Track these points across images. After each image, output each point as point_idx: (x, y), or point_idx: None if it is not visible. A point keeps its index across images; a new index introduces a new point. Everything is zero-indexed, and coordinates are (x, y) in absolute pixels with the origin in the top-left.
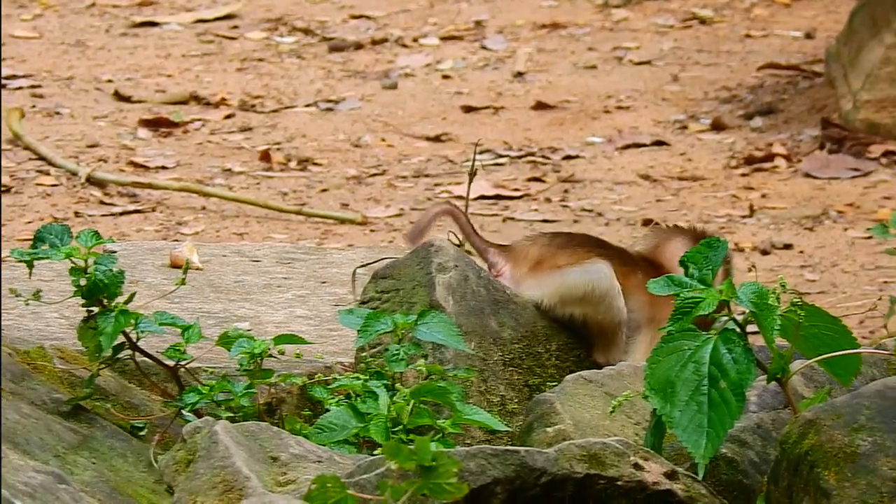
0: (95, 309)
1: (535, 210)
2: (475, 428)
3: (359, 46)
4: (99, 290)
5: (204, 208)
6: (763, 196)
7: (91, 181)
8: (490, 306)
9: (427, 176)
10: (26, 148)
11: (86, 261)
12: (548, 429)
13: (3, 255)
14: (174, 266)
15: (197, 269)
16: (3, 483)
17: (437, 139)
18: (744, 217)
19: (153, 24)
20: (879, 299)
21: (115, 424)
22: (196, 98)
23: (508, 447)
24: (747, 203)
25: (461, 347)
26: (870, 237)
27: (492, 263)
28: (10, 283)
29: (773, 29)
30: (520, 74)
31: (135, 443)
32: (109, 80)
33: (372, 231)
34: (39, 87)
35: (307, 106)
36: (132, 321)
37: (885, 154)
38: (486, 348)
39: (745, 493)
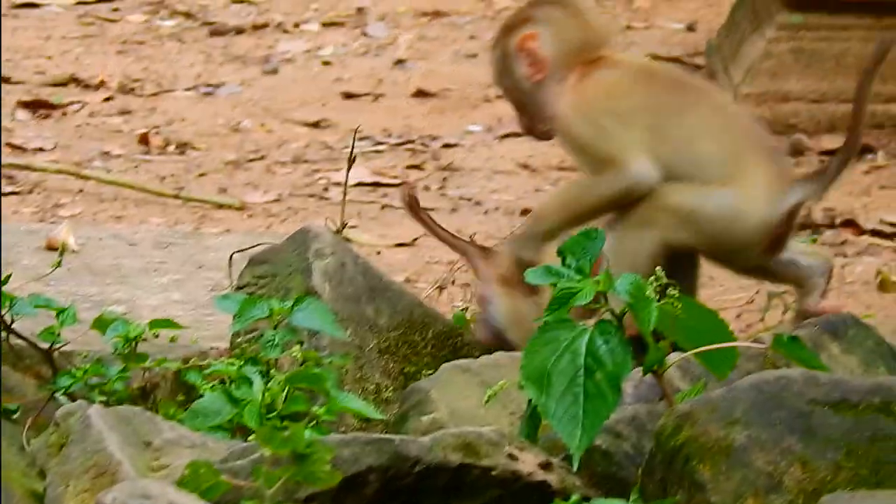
0: None
1: None
2: (350, 415)
3: (239, 31)
4: None
5: (82, 191)
6: None
7: None
8: (367, 293)
9: (306, 162)
10: None
11: None
12: (423, 417)
13: None
14: (51, 249)
15: (73, 252)
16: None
17: (316, 125)
18: None
19: (34, 5)
20: (757, 293)
21: None
22: (76, 80)
23: (383, 435)
24: None
25: (337, 334)
26: None
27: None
28: None
29: (655, 21)
30: (400, 62)
31: (7, 426)
32: None
33: (250, 216)
34: None
35: (187, 90)
36: (7, 303)
37: None
38: (362, 335)
39: (620, 484)
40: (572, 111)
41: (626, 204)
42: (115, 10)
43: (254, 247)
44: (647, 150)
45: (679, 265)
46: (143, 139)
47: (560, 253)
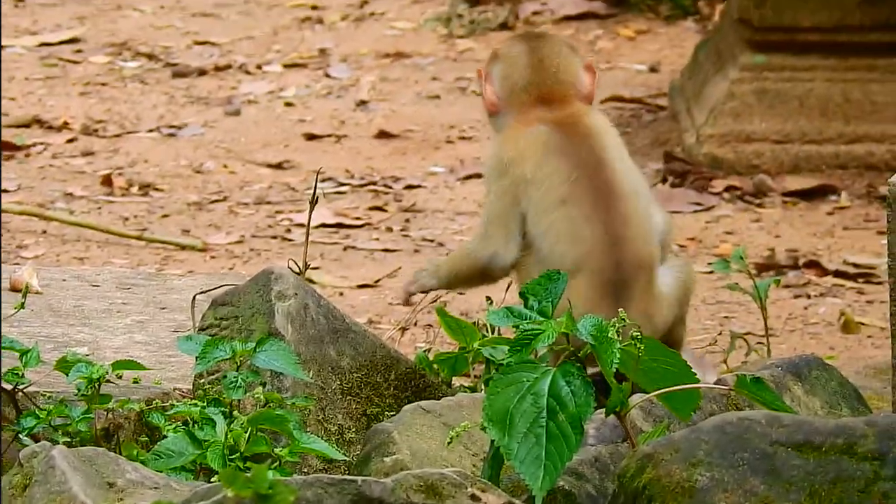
0: None
1: (377, 239)
2: (313, 456)
3: (202, 72)
4: None
5: (45, 232)
6: None
7: None
8: (329, 335)
9: (269, 203)
10: None
11: None
12: (385, 458)
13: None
14: (14, 290)
15: (36, 292)
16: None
17: (279, 166)
18: None
19: None
20: (720, 334)
21: None
22: (39, 121)
23: (346, 476)
24: None
25: (299, 375)
26: (711, 272)
27: None
28: None
29: (618, 62)
30: (363, 103)
31: None
32: None
33: (212, 258)
34: None
35: (150, 131)
36: None
37: (728, 189)
38: (324, 377)
39: None
40: (486, 160)
41: (488, 277)
42: (78, 51)
43: (216, 288)
44: (512, 228)
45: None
46: (106, 180)
47: (522, 295)
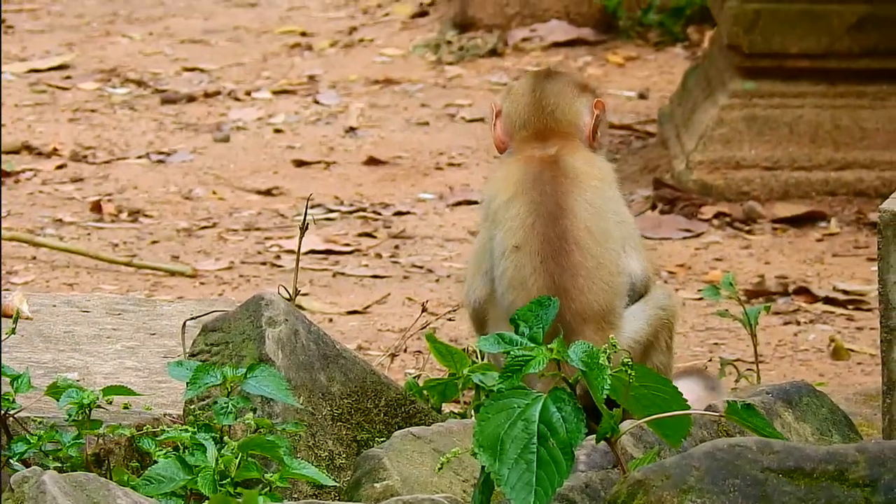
0: None
1: (366, 266)
2: (303, 482)
3: (191, 99)
4: None
5: (34, 258)
6: None
7: None
8: (320, 361)
9: (258, 230)
10: None
11: None
12: (376, 484)
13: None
14: (4, 316)
15: (27, 318)
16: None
17: (268, 193)
18: None
19: None
20: (710, 360)
21: None
22: (28, 148)
23: (336, 502)
24: None
25: (290, 401)
26: (701, 298)
27: None
28: None
29: (607, 88)
30: (352, 129)
31: None
32: None
33: (202, 284)
34: None
35: (139, 157)
36: None
37: (717, 215)
38: (315, 403)
39: None
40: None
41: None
42: (67, 77)
43: (206, 314)
44: (488, 269)
45: None
46: (96, 207)
47: (513, 321)
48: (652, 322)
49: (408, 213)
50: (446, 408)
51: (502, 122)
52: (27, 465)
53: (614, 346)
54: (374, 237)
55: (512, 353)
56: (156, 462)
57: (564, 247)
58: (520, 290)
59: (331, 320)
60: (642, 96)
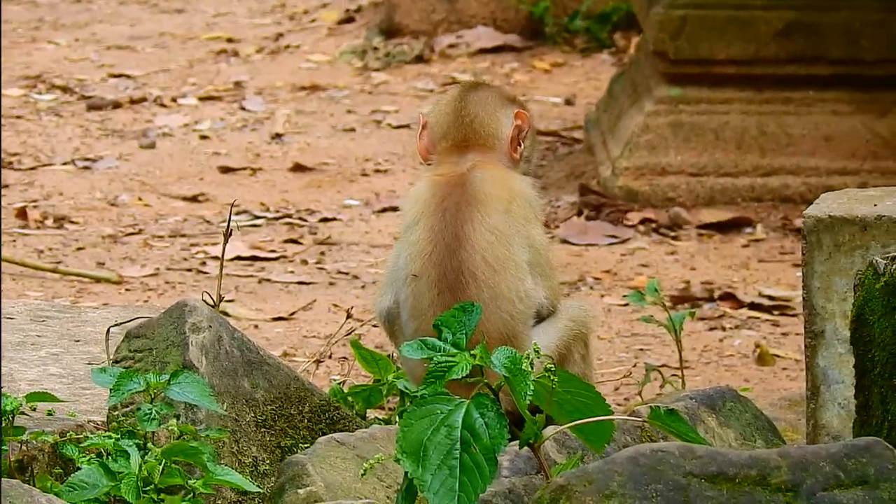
0: None
1: (292, 272)
2: (227, 488)
3: (117, 105)
4: None
5: None
6: None
7: None
8: (243, 367)
9: (183, 236)
10: None
11: None
12: (299, 490)
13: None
14: None
15: None
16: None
17: (194, 199)
18: None
19: None
20: (634, 366)
21: None
22: None
23: None
24: None
25: (213, 408)
26: (626, 304)
27: None
28: None
29: (533, 95)
30: (278, 136)
31: None
32: None
33: (128, 290)
34: None
35: (64, 164)
36: None
37: (643, 221)
38: (238, 409)
39: None
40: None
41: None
42: None
43: (131, 320)
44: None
45: None
46: (21, 213)
47: (436, 327)
48: (563, 335)
49: (334, 219)
50: (371, 414)
51: (427, 133)
52: None
53: (537, 352)
54: (300, 243)
55: (435, 358)
56: (79, 468)
57: (461, 279)
58: (420, 321)
59: (256, 326)
60: (569, 102)
